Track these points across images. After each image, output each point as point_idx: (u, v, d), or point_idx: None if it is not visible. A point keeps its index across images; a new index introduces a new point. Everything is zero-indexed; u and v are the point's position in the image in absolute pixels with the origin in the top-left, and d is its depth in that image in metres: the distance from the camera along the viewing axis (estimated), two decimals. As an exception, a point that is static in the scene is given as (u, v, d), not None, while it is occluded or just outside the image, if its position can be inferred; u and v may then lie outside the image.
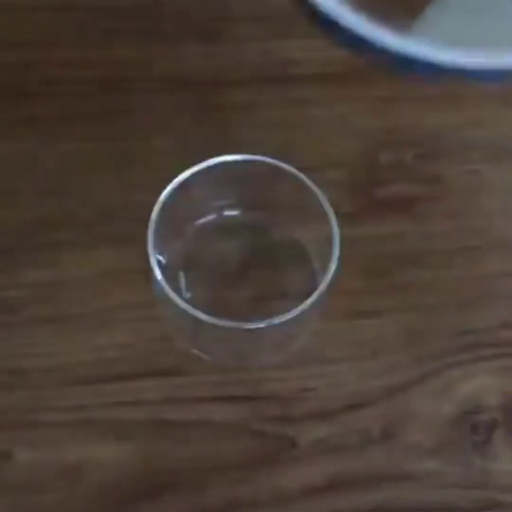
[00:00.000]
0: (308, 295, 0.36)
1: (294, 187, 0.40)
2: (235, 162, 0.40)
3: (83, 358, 0.40)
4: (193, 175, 0.39)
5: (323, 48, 0.51)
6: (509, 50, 0.24)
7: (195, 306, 0.36)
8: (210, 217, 0.43)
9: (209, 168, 0.40)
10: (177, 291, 0.38)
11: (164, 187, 0.38)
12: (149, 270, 0.36)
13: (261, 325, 0.36)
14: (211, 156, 0.40)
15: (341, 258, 0.37)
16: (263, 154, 0.41)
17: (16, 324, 0.41)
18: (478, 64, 0.24)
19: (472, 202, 0.46)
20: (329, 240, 0.38)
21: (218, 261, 0.42)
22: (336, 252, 0.37)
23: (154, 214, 0.38)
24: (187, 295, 0.40)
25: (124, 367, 0.40)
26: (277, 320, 0.36)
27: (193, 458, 0.38)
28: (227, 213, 0.43)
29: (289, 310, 0.36)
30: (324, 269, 0.37)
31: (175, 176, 0.39)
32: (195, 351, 0.40)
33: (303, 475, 0.38)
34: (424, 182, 0.47)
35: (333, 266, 0.37)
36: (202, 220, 0.43)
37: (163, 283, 0.36)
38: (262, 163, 0.40)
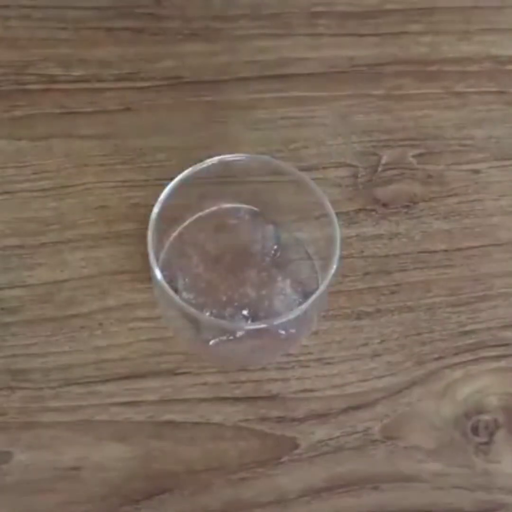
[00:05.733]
0: (308, 295, 0.36)
1: (295, 187, 0.39)
2: (235, 162, 0.40)
3: (82, 358, 0.40)
4: (193, 175, 0.39)
5: (323, 47, 0.51)
6: None
7: (194, 306, 0.36)
8: (210, 217, 0.43)
9: (209, 168, 0.39)
10: (177, 291, 0.38)
11: (164, 187, 0.38)
12: (149, 270, 0.36)
13: (261, 325, 0.36)
14: (211, 156, 0.40)
15: (341, 258, 0.37)
16: (263, 154, 0.41)
17: (16, 324, 0.41)
18: None
19: (472, 202, 0.46)
20: (329, 240, 0.37)
21: (217, 261, 0.42)
22: (336, 252, 0.37)
23: (154, 214, 0.37)
24: (187, 295, 0.40)
25: (124, 368, 0.40)
26: (277, 320, 0.36)
27: (193, 459, 0.38)
28: (226, 212, 0.43)
29: (289, 310, 0.36)
30: (324, 269, 0.37)
31: (175, 176, 0.39)
32: (195, 351, 0.40)
33: (303, 476, 0.38)
34: (424, 182, 0.47)
35: (333, 266, 0.37)
36: (201, 220, 0.43)
37: (163, 283, 0.36)
38: (262, 163, 0.40)
